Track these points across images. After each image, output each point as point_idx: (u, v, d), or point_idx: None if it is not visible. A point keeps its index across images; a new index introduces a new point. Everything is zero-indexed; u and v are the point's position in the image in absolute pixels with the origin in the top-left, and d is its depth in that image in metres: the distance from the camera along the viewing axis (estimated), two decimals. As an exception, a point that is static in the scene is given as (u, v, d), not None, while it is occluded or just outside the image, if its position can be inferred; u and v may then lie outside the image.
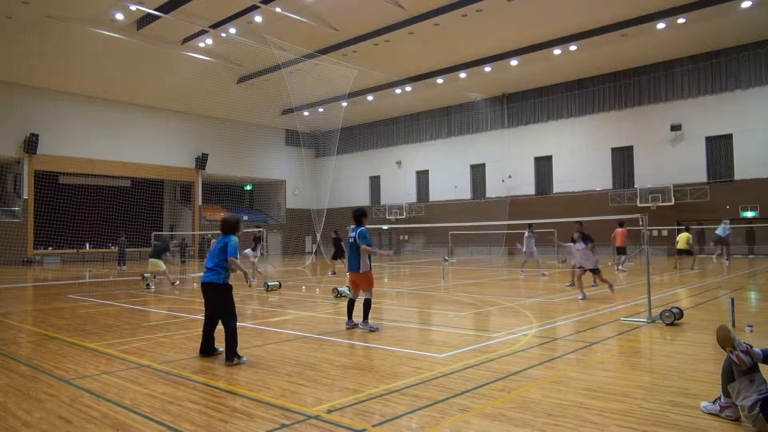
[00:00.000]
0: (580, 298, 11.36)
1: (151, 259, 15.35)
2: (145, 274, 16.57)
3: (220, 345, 6.44)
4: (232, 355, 6.07)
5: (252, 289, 14.71)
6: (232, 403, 4.61)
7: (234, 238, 6.46)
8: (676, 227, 29.69)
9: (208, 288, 6.35)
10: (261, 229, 17.54)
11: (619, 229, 19.65)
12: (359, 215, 8.44)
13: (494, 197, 37.04)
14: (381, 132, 44.30)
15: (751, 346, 3.95)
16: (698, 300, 11.11)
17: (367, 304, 8.20)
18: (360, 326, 8.17)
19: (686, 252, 19.63)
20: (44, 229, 31.74)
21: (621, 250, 19.82)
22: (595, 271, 12.02)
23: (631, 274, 18.16)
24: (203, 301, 6.51)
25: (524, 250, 18.23)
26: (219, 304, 6.32)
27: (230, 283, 6.40)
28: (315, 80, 31.55)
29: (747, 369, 3.88)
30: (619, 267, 19.33)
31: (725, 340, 4.01)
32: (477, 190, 38.75)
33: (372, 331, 7.99)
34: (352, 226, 8.46)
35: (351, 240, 8.35)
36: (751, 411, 3.76)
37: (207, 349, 6.44)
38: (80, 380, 5.43)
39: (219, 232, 6.57)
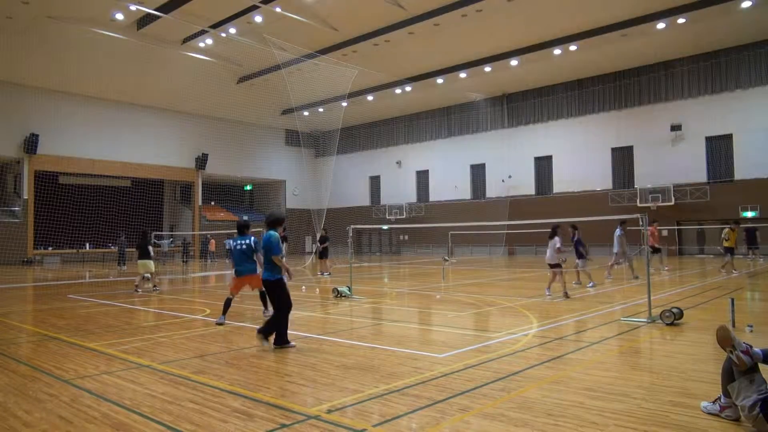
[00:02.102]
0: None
1: (140, 261, 14.48)
2: (141, 277, 15.33)
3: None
4: (273, 335, 6.92)
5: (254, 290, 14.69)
6: (232, 403, 4.61)
7: (274, 234, 7.07)
8: (676, 227, 29.72)
9: (264, 284, 7.16)
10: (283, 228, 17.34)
11: (649, 228, 19.28)
12: (244, 227, 9.20)
13: (494, 197, 37.03)
14: (381, 132, 44.31)
15: (751, 346, 3.94)
16: (698, 300, 11.11)
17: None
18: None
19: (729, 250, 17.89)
20: (44, 229, 31.73)
21: (655, 250, 19.02)
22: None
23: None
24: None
25: (615, 250, 16.27)
26: (271, 297, 7.09)
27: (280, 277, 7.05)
28: (315, 80, 31.54)
29: (747, 369, 3.88)
30: (659, 268, 18.67)
31: (725, 340, 4.00)
32: (477, 190, 38.74)
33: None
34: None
35: (243, 247, 9.03)
36: (751, 411, 3.76)
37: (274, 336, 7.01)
38: (80, 380, 5.43)
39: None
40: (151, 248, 14.77)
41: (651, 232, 19.01)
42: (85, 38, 28.37)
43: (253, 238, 9.06)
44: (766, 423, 3.70)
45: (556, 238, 11.83)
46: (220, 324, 8.82)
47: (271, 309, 8.83)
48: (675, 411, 4.22)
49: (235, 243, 9.04)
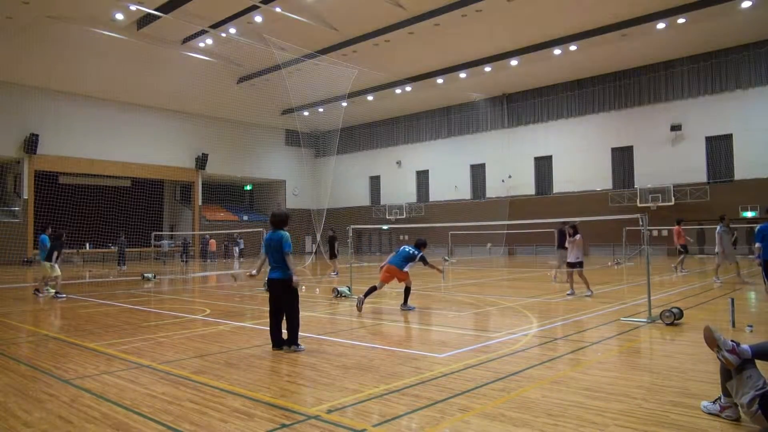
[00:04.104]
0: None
1: (44, 263, 13.57)
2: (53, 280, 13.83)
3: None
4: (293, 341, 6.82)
5: (253, 289, 14.71)
6: (232, 403, 4.61)
7: (286, 234, 6.92)
8: (676, 227, 29.67)
9: (281, 283, 6.83)
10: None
11: (676, 227, 18.83)
12: (422, 244, 10.60)
13: (494, 197, 37.04)
14: (381, 132, 44.32)
15: (738, 344, 3.93)
16: (698, 300, 11.11)
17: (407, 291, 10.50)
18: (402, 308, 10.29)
19: None
20: (44, 229, 31.70)
21: (681, 250, 18.56)
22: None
23: (632, 274, 18.10)
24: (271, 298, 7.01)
25: (717, 249, 14.65)
26: (289, 296, 6.81)
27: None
28: (315, 80, 31.54)
29: (740, 366, 3.87)
30: (679, 268, 18.03)
31: (710, 340, 4.01)
32: (477, 190, 38.75)
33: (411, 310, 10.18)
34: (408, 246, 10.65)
35: (411, 253, 10.42)
36: (750, 407, 3.76)
37: (280, 341, 6.83)
38: (80, 380, 5.43)
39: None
40: (56, 253, 13.59)
41: (677, 231, 18.78)
42: (85, 38, 28.37)
43: (422, 254, 10.43)
44: (764, 419, 3.70)
45: (578, 235, 12.08)
46: (359, 307, 9.94)
47: (410, 304, 10.24)
48: (675, 411, 4.22)
49: (408, 248, 10.53)
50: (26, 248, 32.20)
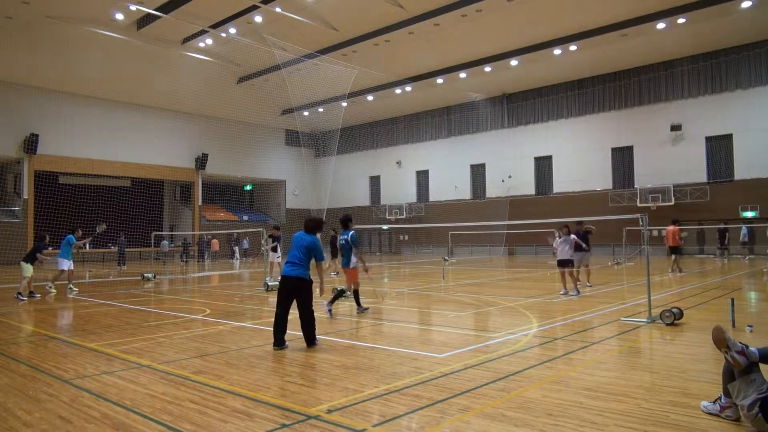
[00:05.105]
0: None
1: (22, 263, 13.62)
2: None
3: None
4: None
5: (252, 288, 14.70)
6: (232, 403, 4.61)
7: (317, 240, 7.16)
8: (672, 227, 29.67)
9: (299, 282, 6.91)
10: (278, 229, 17.56)
11: (671, 227, 18.71)
12: (347, 220, 10.11)
13: (494, 197, 37.03)
14: (381, 132, 44.31)
15: (746, 346, 3.94)
16: (698, 300, 11.11)
17: (343, 293, 10.18)
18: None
19: None
20: (44, 229, 31.61)
21: (674, 250, 18.50)
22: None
23: (632, 274, 18.11)
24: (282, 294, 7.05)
25: None
26: (307, 296, 6.96)
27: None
28: (315, 80, 31.54)
29: (745, 369, 3.88)
30: (672, 269, 18.03)
31: (720, 341, 4.02)
32: (477, 190, 38.74)
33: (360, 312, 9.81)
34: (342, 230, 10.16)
35: (343, 242, 9.99)
36: (750, 410, 3.76)
37: (282, 340, 6.89)
38: (80, 380, 5.43)
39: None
40: (39, 255, 13.87)
41: (675, 232, 18.58)
42: (85, 38, 28.37)
43: (352, 233, 9.89)
44: (765, 422, 3.70)
45: (573, 236, 12.41)
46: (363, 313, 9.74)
47: (364, 307, 9.99)
48: (675, 411, 4.22)
49: (340, 237, 10.10)
50: (26, 248, 32.14)
